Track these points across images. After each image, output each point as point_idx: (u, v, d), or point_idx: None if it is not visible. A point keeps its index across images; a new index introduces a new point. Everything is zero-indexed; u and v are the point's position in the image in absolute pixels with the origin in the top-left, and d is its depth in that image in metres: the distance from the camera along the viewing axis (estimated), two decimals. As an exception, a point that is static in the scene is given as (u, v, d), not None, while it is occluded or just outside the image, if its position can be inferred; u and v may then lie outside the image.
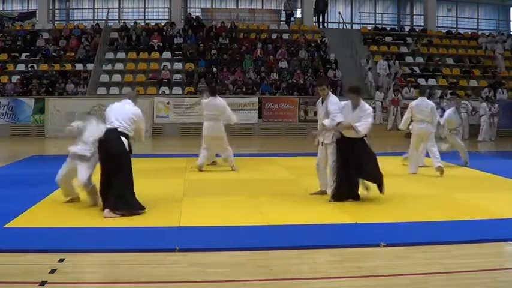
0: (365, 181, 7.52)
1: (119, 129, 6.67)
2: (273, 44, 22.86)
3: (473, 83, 22.64)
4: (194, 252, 5.11)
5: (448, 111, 11.36)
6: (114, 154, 6.61)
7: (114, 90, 20.27)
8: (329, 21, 26.57)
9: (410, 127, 11.46)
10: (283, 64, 21.82)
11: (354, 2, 28.06)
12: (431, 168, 10.46)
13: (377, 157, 7.65)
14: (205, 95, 11.05)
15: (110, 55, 21.94)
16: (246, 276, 4.52)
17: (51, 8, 25.75)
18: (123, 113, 6.84)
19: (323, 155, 7.61)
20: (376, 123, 19.85)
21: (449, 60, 23.62)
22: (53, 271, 4.51)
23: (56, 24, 24.45)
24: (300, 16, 26.33)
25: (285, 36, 23.68)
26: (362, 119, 7.34)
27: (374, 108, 19.86)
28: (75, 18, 26.40)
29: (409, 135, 18.19)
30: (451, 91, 20.87)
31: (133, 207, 6.58)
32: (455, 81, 22.41)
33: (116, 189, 6.51)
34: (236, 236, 5.76)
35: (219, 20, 24.08)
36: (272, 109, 19.95)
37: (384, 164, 11.10)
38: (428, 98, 10.88)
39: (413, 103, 10.10)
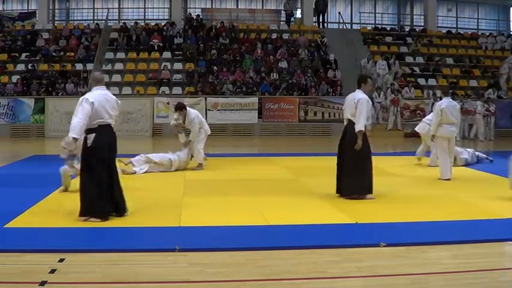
0: None
1: (112, 125, 6.46)
2: (273, 44, 22.86)
3: (473, 83, 22.63)
4: (194, 252, 5.11)
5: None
6: (115, 153, 6.56)
7: (114, 90, 20.21)
8: (329, 21, 26.57)
9: (418, 129, 11.25)
10: (283, 64, 21.82)
11: (354, 2, 28.05)
12: (431, 168, 10.46)
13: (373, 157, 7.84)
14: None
15: (110, 55, 21.93)
16: (246, 276, 4.52)
17: (51, 8, 25.74)
18: (112, 107, 6.45)
19: None
20: (376, 123, 19.92)
21: (449, 60, 23.62)
22: (53, 271, 4.51)
23: (56, 24, 24.44)
24: (300, 16, 26.32)
25: (285, 36, 23.68)
26: None
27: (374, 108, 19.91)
28: (75, 18, 26.39)
29: (408, 134, 18.24)
30: (451, 91, 20.85)
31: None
32: (455, 81, 22.41)
33: (120, 190, 6.51)
34: (236, 236, 5.76)
35: (219, 20, 24.08)
36: (272, 109, 19.95)
37: (384, 163, 11.14)
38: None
39: (442, 105, 9.42)
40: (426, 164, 10.98)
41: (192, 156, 10.55)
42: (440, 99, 10.71)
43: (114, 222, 6.18)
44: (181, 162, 10.32)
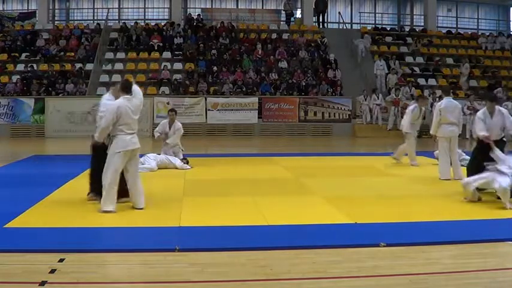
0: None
1: None
2: (273, 44, 22.86)
3: (473, 83, 22.63)
4: (194, 252, 5.11)
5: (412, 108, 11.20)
6: None
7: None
8: (329, 21, 26.57)
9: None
10: (283, 64, 21.82)
11: (354, 2, 28.05)
12: (430, 168, 10.45)
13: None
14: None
15: (109, 55, 21.93)
16: (246, 276, 4.52)
17: (51, 8, 25.73)
18: None
19: None
20: (375, 123, 19.92)
21: (449, 60, 23.61)
22: (53, 271, 4.51)
23: (56, 24, 24.44)
24: (300, 16, 26.32)
25: (285, 36, 23.68)
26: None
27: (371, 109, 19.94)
28: (75, 18, 26.40)
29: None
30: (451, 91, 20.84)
31: None
32: (455, 81, 22.40)
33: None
34: (236, 236, 5.76)
35: (219, 20, 24.09)
36: (272, 109, 19.95)
37: (384, 164, 11.15)
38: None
39: (441, 105, 9.34)
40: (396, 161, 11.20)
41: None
42: (440, 98, 10.69)
43: (114, 222, 6.19)
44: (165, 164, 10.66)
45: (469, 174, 7.96)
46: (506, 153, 7.66)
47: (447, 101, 9.40)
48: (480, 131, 7.77)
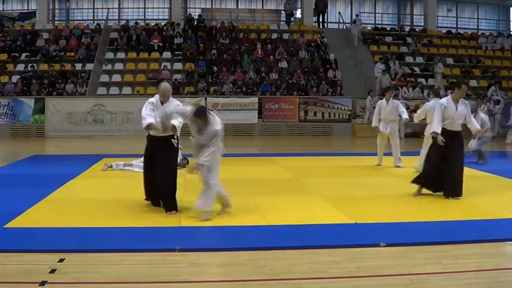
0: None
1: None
2: (273, 44, 22.86)
3: (473, 83, 22.62)
4: (194, 252, 5.11)
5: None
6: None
7: (114, 90, 20.28)
8: (329, 21, 26.58)
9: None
10: (283, 64, 21.82)
11: (354, 2, 28.06)
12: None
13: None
14: None
15: (109, 55, 21.93)
16: (246, 276, 4.52)
17: (51, 8, 25.73)
18: None
19: None
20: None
21: (449, 60, 23.62)
22: (53, 271, 4.51)
23: (56, 24, 24.44)
24: (300, 16, 26.33)
25: (285, 36, 23.69)
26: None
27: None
28: (75, 18, 26.40)
29: (408, 134, 18.22)
30: (451, 91, 20.82)
31: None
32: (455, 81, 22.35)
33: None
34: (236, 236, 5.76)
35: (219, 20, 24.09)
36: (272, 109, 19.95)
37: (384, 163, 11.14)
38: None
39: (429, 104, 9.71)
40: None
41: None
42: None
43: (114, 222, 6.18)
44: None
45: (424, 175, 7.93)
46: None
47: (435, 102, 9.57)
48: (436, 127, 7.70)
